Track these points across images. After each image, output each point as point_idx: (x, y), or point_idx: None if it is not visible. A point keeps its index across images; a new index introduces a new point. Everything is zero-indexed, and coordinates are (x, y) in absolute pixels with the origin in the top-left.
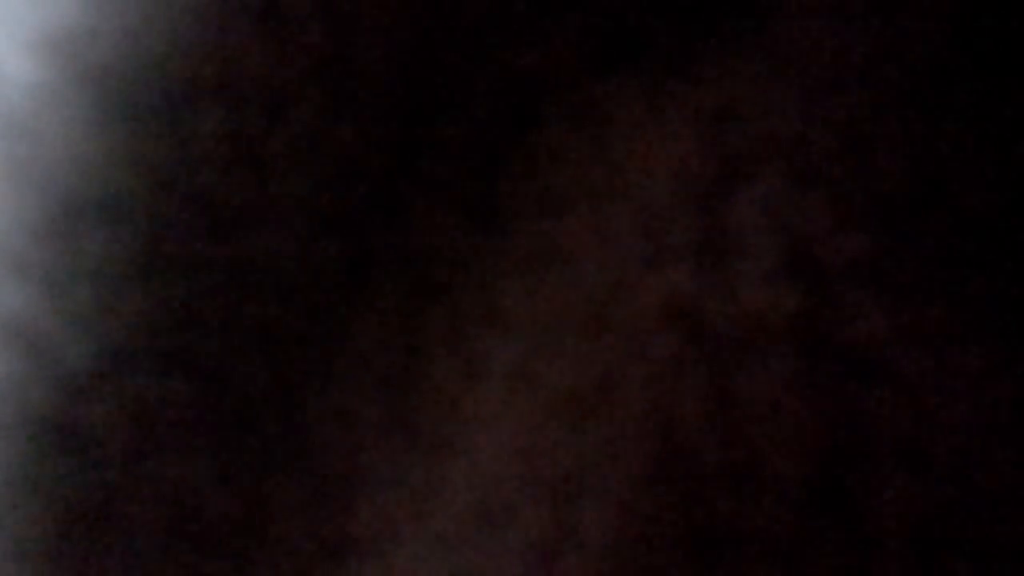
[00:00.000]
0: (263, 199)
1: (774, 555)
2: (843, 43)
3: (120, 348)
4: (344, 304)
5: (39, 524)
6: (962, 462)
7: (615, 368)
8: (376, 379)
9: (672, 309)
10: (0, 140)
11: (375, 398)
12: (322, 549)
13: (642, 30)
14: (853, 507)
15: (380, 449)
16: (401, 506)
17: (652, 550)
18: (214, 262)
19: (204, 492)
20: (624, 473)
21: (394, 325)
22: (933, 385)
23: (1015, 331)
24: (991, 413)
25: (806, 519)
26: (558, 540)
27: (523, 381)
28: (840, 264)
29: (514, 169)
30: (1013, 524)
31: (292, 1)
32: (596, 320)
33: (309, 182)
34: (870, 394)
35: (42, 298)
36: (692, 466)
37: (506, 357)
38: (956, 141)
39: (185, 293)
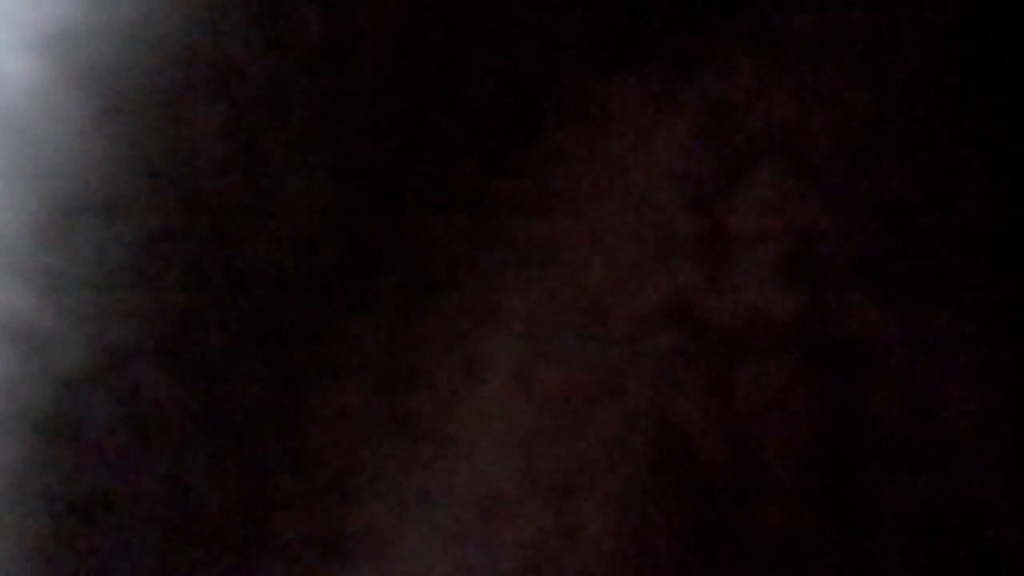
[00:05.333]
0: (263, 199)
1: (773, 553)
2: (843, 41)
3: (119, 348)
4: (344, 304)
5: (38, 523)
6: (961, 461)
7: (615, 367)
8: (376, 379)
9: (672, 308)
10: (0, 140)
11: (375, 398)
12: (322, 548)
13: (642, 30)
14: (853, 506)
15: (380, 449)
16: (401, 505)
17: (652, 548)
18: (214, 262)
19: (203, 491)
20: (624, 471)
21: (394, 325)
22: (933, 385)
23: (1015, 330)
24: (990, 412)
25: (806, 517)
26: (558, 538)
27: (523, 380)
28: (840, 264)
29: (514, 168)
30: (1013, 523)
31: (292, 1)
32: (596, 320)
33: (309, 181)
34: (870, 394)
35: (42, 298)
36: (692, 464)
37: (506, 356)
38: (957, 140)
39: (184, 293)
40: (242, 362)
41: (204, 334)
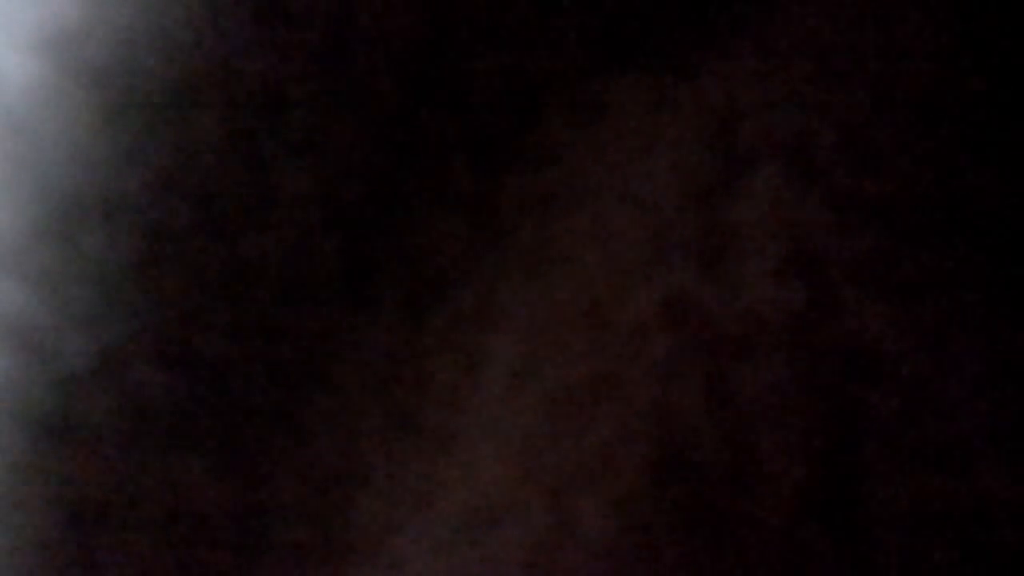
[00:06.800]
0: (263, 199)
1: (774, 553)
2: (844, 41)
3: (119, 347)
4: (344, 303)
5: (38, 522)
6: (962, 461)
7: (615, 367)
8: (376, 379)
9: (672, 309)
10: (0, 140)
11: (375, 398)
12: (322, 548)
13: (642, 30)
14: (853, 505)
15: (380, 449)
16: (401, 505)
17: (652, 548)
18: (214, 262)
19: (203, 491)
20: (624, 471)
21: (394, 324)
22: (933, 385)
23: (1015, 331)
24: (991, 413)
25: (806, 518)
26: (558, 538)
27: (523, 380)
28: (840, 263)
29: (514, 169)
30: (1013, 524)
31: (292, 1)
32: (596, 320)
33: (309, 182)
34: (870, 394)
35: (42, 298)
36: (692, 464)
37: (506, 356)
38: (957, 140)
39: (185, 293)
40: (242, 362)
41: (204, 334)
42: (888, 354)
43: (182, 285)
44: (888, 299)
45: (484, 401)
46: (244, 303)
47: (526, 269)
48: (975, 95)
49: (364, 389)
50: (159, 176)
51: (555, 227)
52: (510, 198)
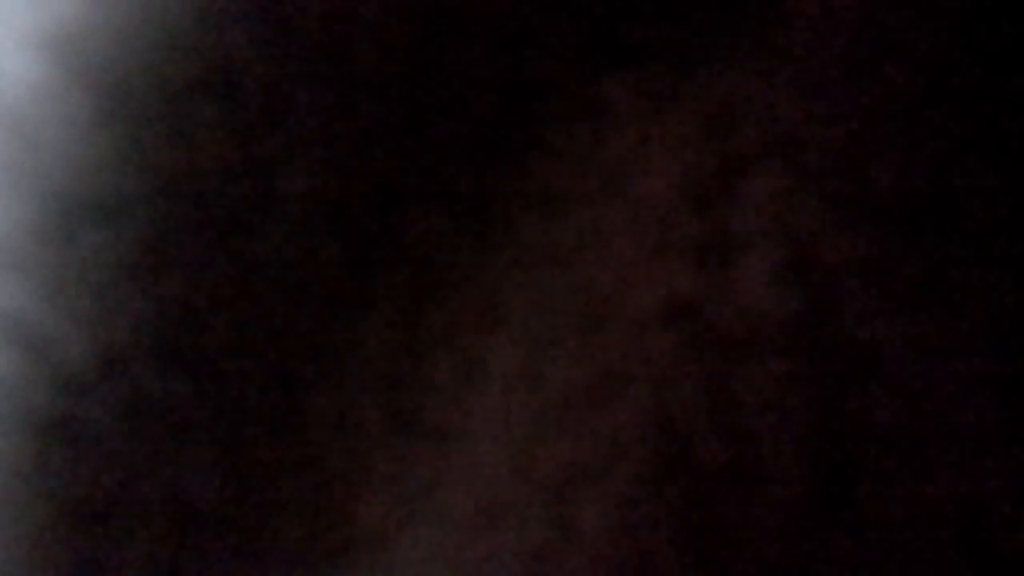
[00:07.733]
0: (263, 199)
1: (774, 553)
2: (844, 42)
3: (120, 348)
4: (344, 304)
5: (39, 523)
6: (961, 462)
7: (615, 367)
8: (376, 379)
9: (672, 309)
10: (0, 140)
11: (375, 398)
12: (323, 548)
13: (642, 30)
14: (853, 506)
15: (381, 449)
16: (402, 505)
17: (651, 549)
18: (214, 262)
19: (204, 492)
20: (624, 472)
21: (394, 325)
22: (933, 385)
23: (1014, 331)
24: (990, 413)
25: (806, 518)
26: (558, 539)
27: (523, 380)
28: (840, 264)
29: (514, 169)
30: (1012, 524)
31: (292, 1)
32: (596, 320)
33: (309, 182)
34: (869, 394)
35: (42, 298)
36: (692, 465)
37: (506, 356)
38: (957, 141)
39: (185, 293)
40: (242, 362)
41: (204, 334)
42: (887, 354)
43: (182, 285)
44: (887, 300)
45: (484, 401)
46: (244, 303)
47: (526, 269)
48: (974, 95)
49: (364, 389)
50: (159, 176)
51: (555, 227)
52: (510, 198)
